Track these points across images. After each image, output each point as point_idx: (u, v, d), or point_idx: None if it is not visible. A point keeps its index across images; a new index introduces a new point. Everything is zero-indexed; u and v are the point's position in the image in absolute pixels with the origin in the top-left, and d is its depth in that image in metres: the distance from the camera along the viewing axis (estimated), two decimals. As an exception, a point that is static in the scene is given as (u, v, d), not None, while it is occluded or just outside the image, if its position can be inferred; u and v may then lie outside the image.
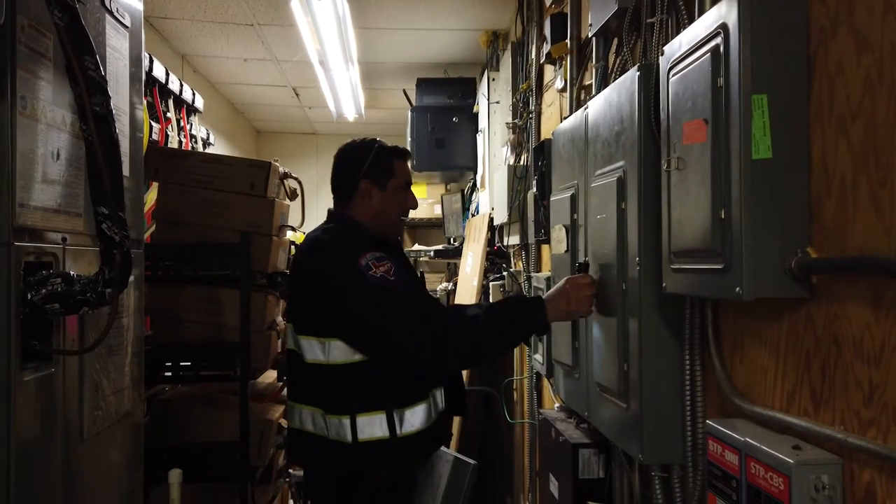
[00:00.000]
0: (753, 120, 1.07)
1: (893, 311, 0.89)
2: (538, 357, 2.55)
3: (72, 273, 1.40)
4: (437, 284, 5.37)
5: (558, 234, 2.06)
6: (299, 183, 3.27)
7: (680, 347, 1.44)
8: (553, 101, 2.73)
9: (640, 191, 1.48)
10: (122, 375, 1.82)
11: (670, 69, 1.31)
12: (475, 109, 4.39)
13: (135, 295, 1.90)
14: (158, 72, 3.33)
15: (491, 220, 3.65)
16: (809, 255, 1.05)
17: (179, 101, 3.73)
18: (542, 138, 2.77)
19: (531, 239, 2.80)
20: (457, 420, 3.67)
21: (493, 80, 3.85)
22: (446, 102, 4.63)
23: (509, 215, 3.19)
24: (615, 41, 1.96)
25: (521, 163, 3.20)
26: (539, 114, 2.99)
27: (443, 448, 1.93)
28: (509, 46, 3.60)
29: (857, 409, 0.96)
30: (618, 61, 1.91)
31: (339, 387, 1.77)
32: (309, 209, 3.29)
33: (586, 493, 1.85)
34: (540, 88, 3.00)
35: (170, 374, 2.74)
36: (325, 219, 1.98)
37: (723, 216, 1.12)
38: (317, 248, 1.88)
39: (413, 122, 4.61)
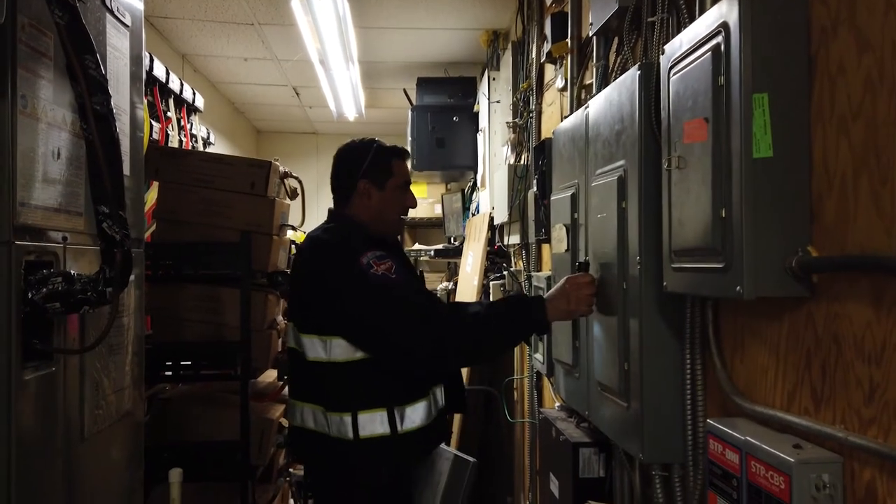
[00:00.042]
0: (754, 119, 1.07)
1: (894, 310, 0.89)
2: (538, 356, 2.55)
3: (72, 272, 1.40)
4: (437, 284, 5.36)
5: (559, 234, 2.06)
6: (300, 182, 3.27)
7: (680, 346, 1.44)
8: (553, 101, 2.73)
9: (640, 190, 1.48)
10: (122, 374, 1.82)
11: (671, 68, 1.31)
12: (475, 109, 4.38)
13: (135, 294, 1.90)
14: (159, 71, 3.34)
15: (491, 219, 3.65)
16: (810, 254, 1.05)
17: (180, 101, 3.73)
18: (543, 137, 2.77)
19: (531, 238, 2.80)
20: (457, 419, 3.67)
21: (494, 79, 3.85)
22: (447, 102, 4.63)
23: (510, 215, 3.18)
24: (616, 40, 1.96)
25: (522, 162, 3.19)
26: (539, 113, 2.98)
27: (443, 446, 1.95)
28: (510, 46, 3.60)
29: (857, 407, 0.96)
30: (618, 60, 1.91)
31: (340, 384, 1.78)
32: (309, 208, 3.29)
33: (587, 492, 1.85)
34: (540, 88, 2.99)
35: (170, 373, 2.74)
36: (325, 218, 2.00)
37: (723, 215, 1.12)
38: (318, 248, 1.89)
39: (413, 122, 4.61)
